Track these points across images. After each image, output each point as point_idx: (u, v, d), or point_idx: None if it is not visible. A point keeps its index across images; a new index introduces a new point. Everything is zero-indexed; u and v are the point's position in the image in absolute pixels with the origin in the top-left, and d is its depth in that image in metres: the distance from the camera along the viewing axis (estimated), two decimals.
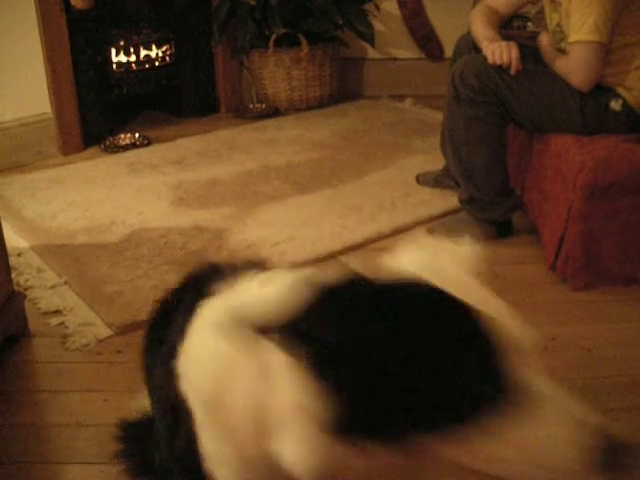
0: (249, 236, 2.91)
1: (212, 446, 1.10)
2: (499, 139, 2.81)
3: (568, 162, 2.61)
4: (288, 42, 4.46)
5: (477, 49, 2.89)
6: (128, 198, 3.38)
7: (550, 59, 2.77)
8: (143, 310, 2.42)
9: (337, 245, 2.90)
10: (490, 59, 2.70)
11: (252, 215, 3.12)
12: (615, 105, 2.68)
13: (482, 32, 2.87)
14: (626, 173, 2.53)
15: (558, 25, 2.79)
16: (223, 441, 1.06)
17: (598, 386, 2.15)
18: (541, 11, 3.10)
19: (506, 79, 2.68)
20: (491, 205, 2.91)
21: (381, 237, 2.97)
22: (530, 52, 2.88)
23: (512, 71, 2.69)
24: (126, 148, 4.09)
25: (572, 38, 2.60)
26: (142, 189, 3.47)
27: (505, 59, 2.69)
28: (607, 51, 2.60)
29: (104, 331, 2.39)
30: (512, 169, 2.95)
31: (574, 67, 2.63)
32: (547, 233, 2.75)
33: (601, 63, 2.61)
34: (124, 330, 2.38)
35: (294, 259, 2.76)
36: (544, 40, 2.85)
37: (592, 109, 2.68)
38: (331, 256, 2.83)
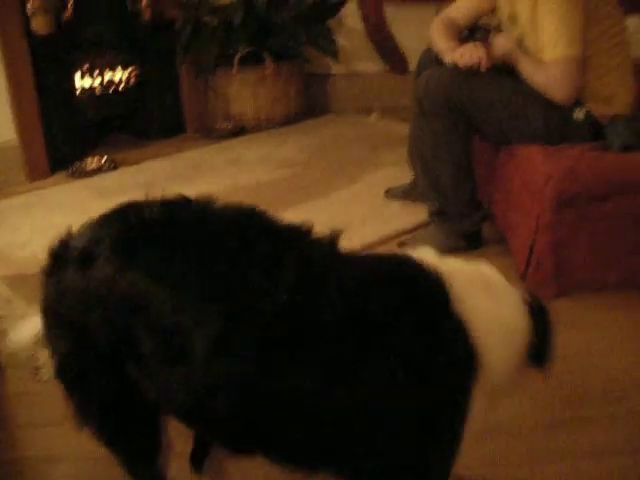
0: None
1: None
2: (466, 151, 2.84)
3: (535, 173, 2.64)
4: (252, 60, 4.48)
5: (440, 62, 2.92)
6: None
7: (526, 67, 2.75)
8: None
9: None
10: (460, 62, 2.73)
11: None
12: (579, 114, 2.71)
13: (444, 44, 2.91)
14: (592, 182, 2.56)
15: (518, 40, 2.82)
16: None
17: (571, 395, 2.16)
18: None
19: (470, 91, 2.71)
20: (460, 217, 2.94)
21: None
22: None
23: (482, 68, 2.72)
24: (93, 173, 4.07)
25: (549, 55, 2.62)
26: None
27: (474, 59, 2.72)
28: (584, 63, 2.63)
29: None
30: (480, 181, 2.98)
31: (555, 84, 2.65)
32: (516, 243, 2.77)
33: (581, 75, 2.65)
34: None
35: None
36: (501, 41, 2.85)
37: (556, 119, 2.71)
38: None
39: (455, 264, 1.40)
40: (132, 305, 1.30)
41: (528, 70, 2.72)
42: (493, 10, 3.07)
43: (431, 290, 1.31)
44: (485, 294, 1.36)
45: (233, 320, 1.22)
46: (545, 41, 2.62)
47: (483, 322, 1.31)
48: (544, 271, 2.63)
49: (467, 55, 2.75)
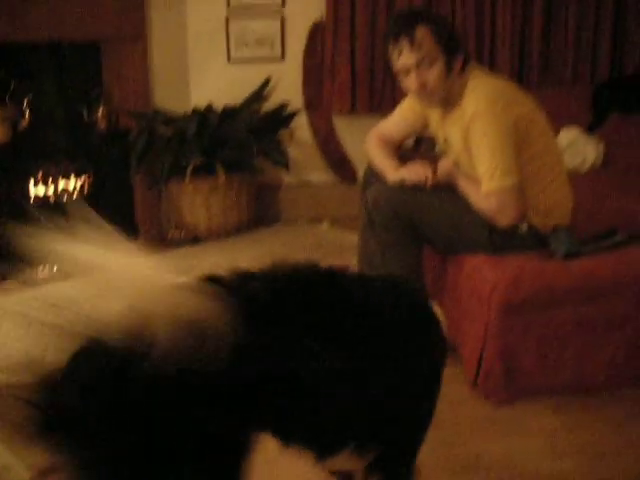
0: None
1: None
2: (415, 262, 2.90)
3: (481, 281, 2.71)
4: (205, 171, 4.55)
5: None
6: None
7: (469, 194, 2.85)
8: None
9: None
10: (409, 178, 2.83)
11: None
12: (522, 227, 2.81)
13: (385, 163, 2.99)
14: (537, 289, 2.64)
15: (455, 161, 2.93)
16: None
17: None
18: None
19: (418, 207, 2.79)
20: None
21: None
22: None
23: (428, 186, 2.82)
24: (44, 281, 4.03)
25: (487, 187, 2.72)
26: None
27: (421, 177, 2.82)
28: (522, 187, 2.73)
29: (24, 475, 2.30)
30: (428, 289, 3.03)
31: (498, 213, 2.74)
32: (466, 351, 2.81)
33: (522, 199, 2.75)
34: (46, 473, 2.30)
35: None
36: (446, 164, 2.96)
37: (500, 231, 2.80)
38: None
39: None
40: None
41: (471, 197, 2.82)
42: (423, 130, 3.18)
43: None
44: None
45: None
46: (481, 174, 2.72)
47: None
48: (494, 378, 2.67)
49: (414, 173, 2.86)
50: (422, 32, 2.70)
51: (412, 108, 3.09)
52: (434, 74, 2.73)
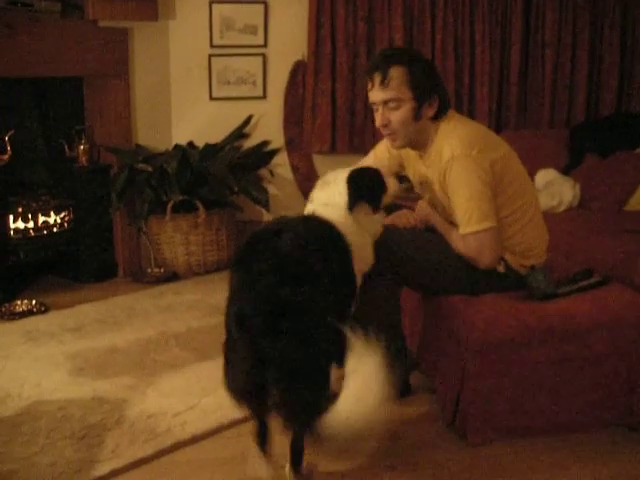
0: (149, 407, 2.88)
1: None
2: (394, 303, 2.90)
3: (459, 322, 2.73)
4: (185, 208, 4.57)
5: None
6: (24, 369, 3.30)
7: (445, 233, 2.86)
8: None
9: (238, 414, 2.87)
10: (397, 223, 2.89)
11: (152, 385, 3.09)
12: (499, 268, 2.84)
13: None
14: (514, 330, 2.66)
15: (431, 201, 2.96)
16: None
17: None
18: None
19: (399, 247, 2.80)
20: (389, 367, 2.96)
21: None
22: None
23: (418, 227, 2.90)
24: (22, 315, 4.02)
25: (464, 230, 2.73)
26: (39, 359, 3.40)
27: (405, 223, 2.87)
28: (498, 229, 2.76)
29: None
30: (406, 329, 3.04)
31: (476, 255, 2.75)
32: (444, 391, 2.82)
33: (499, 242, 2.77)
34: None
35: (195, 430, 2.74)
36: (424, 207, 3.00)
37: (478, 273, 2.81)
38: (233, 424, 2.82)
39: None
40: None
41: (450, 238, 2.84)
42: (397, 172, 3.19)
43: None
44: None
45: None
46: (459, 219, 2.74)
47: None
48: (471, 418, 2.68)
49: (398, 220, 2.90)
50: (397, 73, 2.71)
51: (387, 149, 3.11)
52: (398, 116, 2.75)
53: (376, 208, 2.70)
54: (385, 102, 2.74)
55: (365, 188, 2.67)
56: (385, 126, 2.78)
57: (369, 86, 2.78)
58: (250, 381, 2.18)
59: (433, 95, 2.75)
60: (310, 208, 2.67)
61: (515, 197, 2.82)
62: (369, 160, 3.21)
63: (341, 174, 2.69)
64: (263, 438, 2.40)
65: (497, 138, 2.87)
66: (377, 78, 2.73)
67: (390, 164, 3.12)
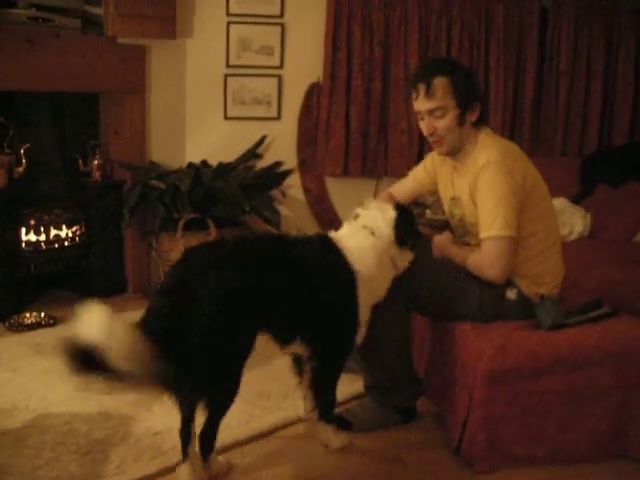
0: (155, 423, 2.88)
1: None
2: (405, 328, 2.91)
3: (468, 349, 2.73)
4: (197, 226, 4.57)
5: None
6: (32, 381, 3.31)
7: (460, 258, 2.89)
8: None
9: (244, 433, 2.89)
10: None
11: (159, 401, 3.08)
12: (510, 294, 2.84)
13: None
14: (523, 359, 2.66)
15: (461, 220, 2.98)
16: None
17: None
18: (438, 200, 3.30)
19: (411, 273, 2.80)
20: (396, 392, 2.97)
21: (287, 425, 2.99)
22: (428, 242, 3.06)
23: None
24: (31, 327, 4.04)
25: (484, 234, 2.76)
26: (47, 372, 3.40)
27: None
28: (517, 244, 2.78)
29: None
30: (414, 354, 3.05)
31: (488, 262, 2.77)
32: (450, 418, 2.82)
33: (513, 256, 2.78)
34: None
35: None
36: (443, 239, 3.01)
37: (489, 299, 2.83)
38: (238, 444, 2.82)
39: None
40: None
41: (462, 257, 2.87)
42: (432, 192, 3.25)
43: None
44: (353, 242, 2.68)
45: None
46: (482, 222, 2.77)
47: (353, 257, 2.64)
48: (477, 446, 2.68)
49: None
50: (440, 83, 2.79)
51: (425, 169, 3.18)
52: (443, 124, 2.82)
53: (412, 246, 2.78)
54: (430, 111, 2.82)
55: (411, 225, 2.79)
56: (431, 134, 2.86)
57: (414, 96, 2.86)
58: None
59: (475, 101, 2.85)
60: (345, 228, 2.79)
61: (539, 219, 2.85)
62: (408, 182, 3.27)
63: (387, 205, 2.80)
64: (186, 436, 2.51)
65: (529, 160, 2.91)
66: (422, 88, 2.81)
67: (425, 182, 3.20)
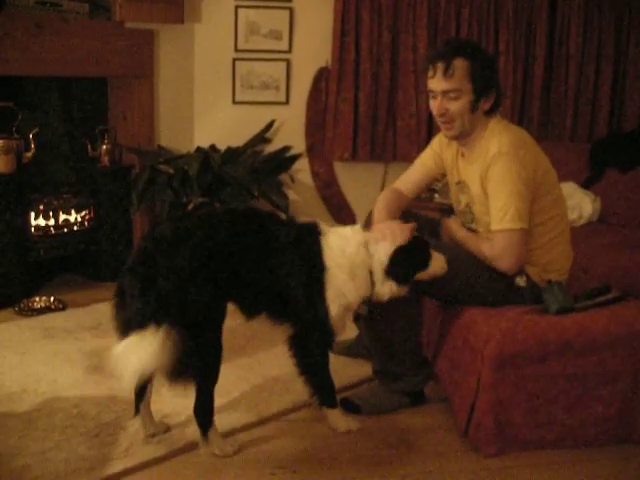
0: (164, 406, 2.89)
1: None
2: (414, 313, 2.91)
3: (476, 333, 2.73)
4: (205, 210, 4.58)
5: None
6: (41, 365, 3.32)
7: (470, 244, 2.88)
8: None
9: (252, 417, 2.91)
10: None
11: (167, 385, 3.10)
12: (520, 281, 2.84)
13: (377, 218, 2.98)
14: (530, 343, 2.66)
15: (467, 206, 2.97)
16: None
17: None
18: (447, 184, 3.27)
19: None
20: (404, 376, 2.98)
21: (295, 408, 3.00)
22: (436, 226, 3.05)
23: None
24: (40, 312, 4.06)
25: (496, 227, 2.75)
26: (56, 355, 3.43)
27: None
28: (529, 235, 2.76)
29: None
30: (422, 338, 3.05)
31: (500, 254, 2.76)
32: (458, 401, 2.82)
33: (525, 247, 2.78)
34: None
35: None
36: (452, 223, 2.99)
37: (499, 285, 2.83)
38: (246, 428, 2.84)
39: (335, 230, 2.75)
40: None
41: (474, 246, 2.85)
42: (443, 175, 3.21)
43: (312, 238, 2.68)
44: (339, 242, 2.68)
45: None
46: (493, 214, 2.76)
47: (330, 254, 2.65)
48: (485, 430, 2.68)
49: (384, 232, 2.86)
50: (459, 64, 2.75)
51: (433, 156, 3.13)
52: (456, 107, 2.79)
53: (404, 284, 2.72)
54: (445, 92, 2.78)
55: (409, 265, 2.72)
56: (442, 115, 2.82)
57: (430, 74, 2.82)
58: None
59: (491, 90, 2.81)
60: (347, 229, 2.78)
61: (550, 207, 2.84)
62: (415, 169, 3.21)
63: (400, 236, 2.71)
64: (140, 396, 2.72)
65: (539, 148, 2.89)
66: (440, 67, 2.77)
67: (430, 173, 3.15)
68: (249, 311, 2.73)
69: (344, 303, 2.67)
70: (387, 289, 2.69)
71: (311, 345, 2.74)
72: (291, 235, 2.64)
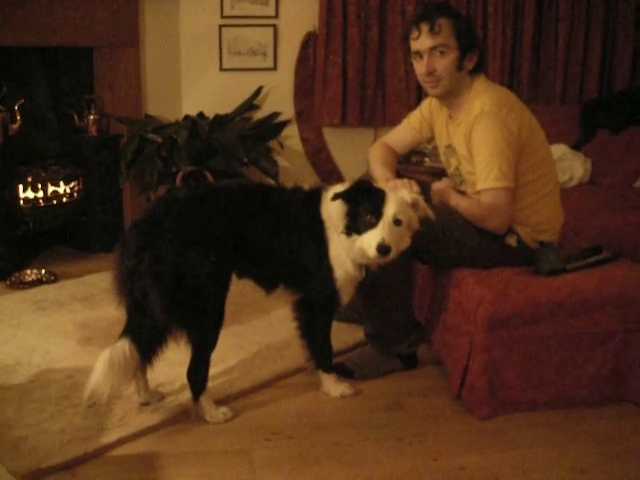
0: (157, 375, 2.88)
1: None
2: (406, 275, 2.91)
3: (468, 295, 2.74)
4: (194, 178, 4.55)
5: None
6: (34, 337, 3.32)
7: (460, 205, 2.85)
8: (49, 456, 2.37)
9: (245, 384, 2.91)
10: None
11: (161, 354, 3.10)
12: (510, 240, 2.84)
13: (381, 174, 3.00)
14: (522, 305, 2.67)
15: (457, 169, 2.96)
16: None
17: None
18: (436, 147, 3.27)
19: None
20: (397, 339, 2.99)
21: (288, 374, 3.01)
22: (427, 189, 3.04)
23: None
24: (32, 284, 4.05)
25: (481, 186, 2.75)
26: (49, 327, 3.42)
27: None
28: (514, 194, 2.77)
29: None
30: (415, 301, 3.06)
31: (487, 213, 2.77)
32: (451, 364, 2.83)
33: (511, 206, 2.78)
34: (29, 478, 2.30)
35: None
36: (442, 185, 2.98)
37: (489, 245, 2.83)
38: (240, 395, 2.84)
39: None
40: None
41: (463, 206, 2.84)
42: (429, 140, 3.23)
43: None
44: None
45: None
46: (478, 173, 2.76)
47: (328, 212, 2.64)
48: (478, 392, 2.70)
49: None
50: (443, 22, 2.77)
51: (420, 118, 3.15)
52: (444, 63, 2.80)
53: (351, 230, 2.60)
54: (433, 48, 2.79)
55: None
56: (430, 74, 2.83)
57: (414, 34, 2.83)
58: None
59: (474, 48, 2.84)
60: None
61: (536, 167, 2.84)
62: (403, 128, 3.25)
63: (414, 186, 2.72)
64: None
65: (525, 107, 2.89)
66: (425, 27, 2.79)
67: (421, 131, 3.17)
68: (266, 284, 2.77)
69: (345, 267, 2.66)
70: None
71: (316, 308, 2.77)
72: (299, 203, 2.66)
